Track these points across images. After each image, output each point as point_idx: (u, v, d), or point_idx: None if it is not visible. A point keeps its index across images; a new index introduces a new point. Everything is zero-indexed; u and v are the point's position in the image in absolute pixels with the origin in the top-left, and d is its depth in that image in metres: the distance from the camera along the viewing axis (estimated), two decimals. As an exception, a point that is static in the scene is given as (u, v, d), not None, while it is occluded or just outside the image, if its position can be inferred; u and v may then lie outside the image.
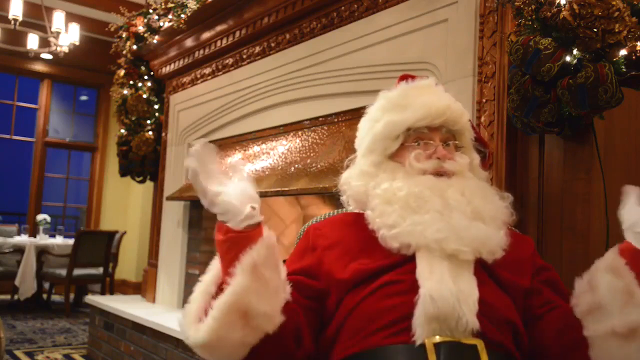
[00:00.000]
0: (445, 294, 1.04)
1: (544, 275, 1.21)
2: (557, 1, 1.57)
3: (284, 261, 1.18)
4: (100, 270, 5.94)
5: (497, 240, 1.13)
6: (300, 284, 1.14)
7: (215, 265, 1.09)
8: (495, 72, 1.95)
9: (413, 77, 1.35)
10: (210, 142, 3.64)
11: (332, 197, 3.39)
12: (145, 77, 4.40)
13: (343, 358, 1.08)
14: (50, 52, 5.42)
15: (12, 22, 4.82)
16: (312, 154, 2.81)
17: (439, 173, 1.20)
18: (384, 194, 1.19)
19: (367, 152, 1.28)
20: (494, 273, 1.15)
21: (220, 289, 1.04)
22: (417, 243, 1.10)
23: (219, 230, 1.06)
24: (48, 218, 6.55)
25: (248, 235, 1.02)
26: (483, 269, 1.13)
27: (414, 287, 1.07)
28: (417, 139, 1.24)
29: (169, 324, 3.18)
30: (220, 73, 3.60)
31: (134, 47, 4.22)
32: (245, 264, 1.00)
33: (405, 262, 1.12)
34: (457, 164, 1.22)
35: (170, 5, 3.83)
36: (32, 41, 5.47)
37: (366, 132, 1.30)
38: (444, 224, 1.11)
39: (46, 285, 6.17)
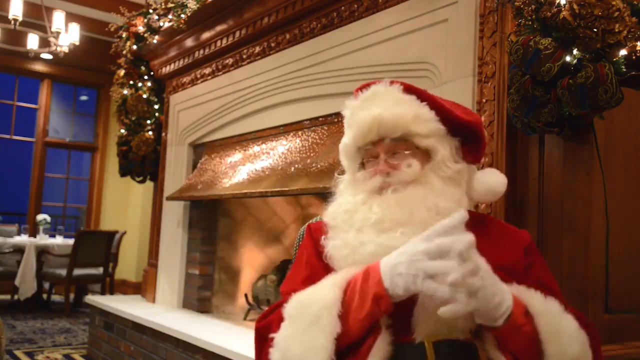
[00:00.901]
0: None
1: (530, 275, 1.21)
2: (557, 1, 1.57)
3: (288, 262, 1.19)
4: (100, 270, 5.94)
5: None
6: None
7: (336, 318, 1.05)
8: (495, 72, 1.95)
9: (369, 85, 1.31)
10: (210, 142, 3.58)
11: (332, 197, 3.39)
12: (145, 77, 4.40)
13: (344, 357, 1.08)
14: (50, 52, 5.42)
15: (12, 22, 4.82)
16: (312, 154, 2.81)
17: (384, 188, 1.19)
18: (330, 209, 1.25)
19: (345, 171, 1.32)
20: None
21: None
22: (333, 265, 1.17)
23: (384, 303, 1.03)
24: (48, 218, 6.55)
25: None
26: None
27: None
28: (367, 156, 1.24)
29: (169, 324, 3.18)
30: (220, 73, 3.60)
31: (134, 47, 4.22)
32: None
33: None
34: (403, 173, 1.18)
35: (170, 5, 3.83)
36: (32, 41, 5.47)
37: None
38: (349, 248, 1.14)
39: (46, 285, 6.17)
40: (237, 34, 3.32)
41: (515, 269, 1.18)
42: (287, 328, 1.08)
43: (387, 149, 1.21)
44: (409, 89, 1.26)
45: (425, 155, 1.21)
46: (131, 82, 4.40)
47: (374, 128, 1.20)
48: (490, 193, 1.26)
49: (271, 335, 1.10)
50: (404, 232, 1.10)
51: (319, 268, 1.21)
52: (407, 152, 1.20)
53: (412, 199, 1.15)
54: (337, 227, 1.19)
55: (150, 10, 4.19)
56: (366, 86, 1.31)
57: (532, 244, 1.26)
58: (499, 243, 1.20)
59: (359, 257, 1.11)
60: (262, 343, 1.15)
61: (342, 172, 1.33)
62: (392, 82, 1.27)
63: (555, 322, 1.06)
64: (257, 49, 3.24)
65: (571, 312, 1.12)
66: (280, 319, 1.10)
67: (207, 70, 3.72)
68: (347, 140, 1.26)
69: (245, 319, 3.49)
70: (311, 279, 1.19)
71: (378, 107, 1.21)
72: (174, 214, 3.95)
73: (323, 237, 1.22)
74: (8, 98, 7.48)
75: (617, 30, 1.48)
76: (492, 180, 1.26)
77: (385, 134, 1.20)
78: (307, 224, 1.35)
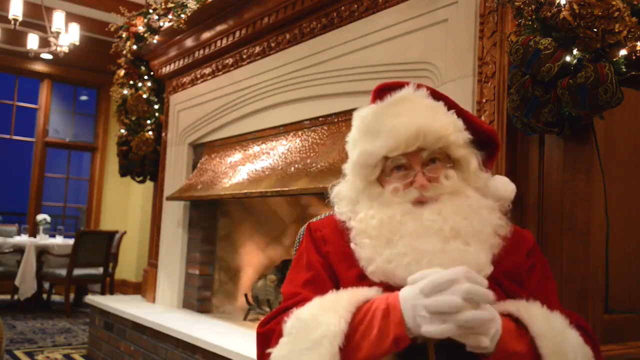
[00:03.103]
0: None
1: (532, 277, 1.21)
2: (557, 1, 1.57)
3: (288, 262, 1.17)
4: (100, 270, 5.94)
5: (477, 261, 1.06)
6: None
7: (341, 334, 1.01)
8: (495, 72, 1.95)
9: (392, 86, 1.23)
10: (210, 142, 3.58)
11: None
12: (145, 77, 4.40)
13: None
14: (50, 52, 5.42)
15: (12, 22, 4.81)
16: (312, 154, 2.81)
17: (420, 202, 1.12)
18: (358, 225, 1.15)
19: (352, 176, 1.22)
20: (498, 281, 1.14)
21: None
22: (393, 281, 1.08)
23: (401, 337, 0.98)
24: (48, 218, 6.55)
25: None
26: (489, 277, 1.13)
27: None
28: (395, 166, 1.15)
29: (169, 324, 3.18)
30: (220, 73, 3.60)
31: (134, 47, 4.22)
32: None
33: None
34: (442, 187, 1.12)
35: (170, 5, 3.83)
36: (32, 41, 5.47)
37: (350, 155, 1.24)
38: (413, 255, 1.06)
39: (46, 285, 6.17)
40: (237, 34, 3.32)
41: (518, 271, 1.18)
42: (284, 346, 1.04)
43: (424, 161, 1.13)
44: (434, 94, 1.21)
45: (456, 165, 1.17)
46: (131, 82, 4.41)
47: (417, 140, 1.11)
48: (501, 200, 1.22)
49: (269, 350, 1.07)
50: (477, 248, 1.07)
51: (320, 270, 1.20)
52: (442, 163, 1.15)
53: (464, 207, 1.11)
54: (381, 237, 1.10)
55: (150, 10, 4.19)
56: (386, 87, 1.23)
57: (535, 245, 1.25)
58: (505, 248, 1.18)
59: (426, 266, 1.03)
60: (263, 352, 1.13)
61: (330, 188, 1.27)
62: (419, 86, 1.21)
63: (559, 341, 1.04)
64: (257, 49, 3.24)
65: (567, 315, 1.11)
66: (281, 331, 1.07)
67: (207, 70, 3.72)
68: (373, 148, 1.15)
69: (245, 319, 3.49)
70: (312, 282, 1.18)
71: (418, 116, 1.13)
72: (174, 214, 3.95)
73: (343, 235, 1.18)
74: (8, 98, 7.48)
75: (617, 30, 1.47)
76: (503, 188, 1.23)
77: (426, 146, 1.12)
78: (307, 223, 1.34)
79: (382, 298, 1.03)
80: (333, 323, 1.01)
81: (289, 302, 1.16)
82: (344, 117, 2.72)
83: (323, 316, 1.03)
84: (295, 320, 1.05)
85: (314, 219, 1.40)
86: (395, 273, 1.07)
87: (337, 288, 1.15)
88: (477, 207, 1.13)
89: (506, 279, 1.15)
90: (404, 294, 1.00)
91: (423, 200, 1.12)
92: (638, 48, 1.50)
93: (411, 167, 1.14)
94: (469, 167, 1.17)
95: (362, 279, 1.13)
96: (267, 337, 1.13)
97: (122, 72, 4.44)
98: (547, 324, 1.05)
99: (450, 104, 1.22)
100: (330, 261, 1.20)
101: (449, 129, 1.14)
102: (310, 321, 1.03)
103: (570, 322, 1.10)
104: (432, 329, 0.93)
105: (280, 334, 1.07)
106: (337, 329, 1.00)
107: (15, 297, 5.93)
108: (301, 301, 1.13)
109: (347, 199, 1.22)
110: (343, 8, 2.64)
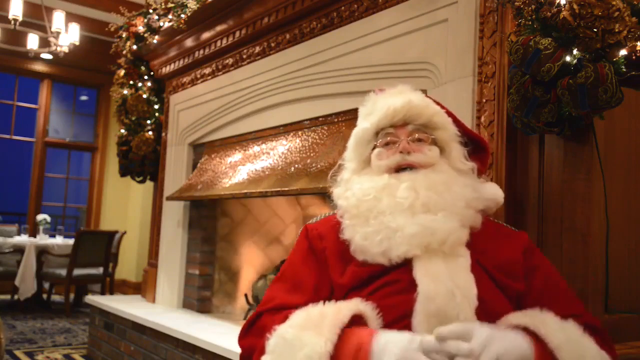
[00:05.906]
0: (442, 291, 1.05)
1: (537, 278, 1.21)
2: (557, 1, 1.57)
3: (283, 262, 1.20)
4: (100, 270, 5.94)
5: (445, 227, 1.13)
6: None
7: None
8: (495, 72, 1.95)
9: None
10: (210, 142, 3.58)
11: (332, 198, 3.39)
12: (145, 77, 4.40)
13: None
14: (50, 52, 5.42)
15: (12, 22, 4.81)
16: (312, 154, 2.81)
17: (402, 167, 1.23)
18: (342, 202, 1.26)
19: (348, 161, 1.35)
20: (490, 274, 1.15)
21: None
22: (372, 259, 1.16)
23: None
24: (48, 218, 6.55)
25: None
26: (481, 269, 1.14)
27: (412, 286, 1.08)
28: (385, 143, 1.28)
29: (169, 324, 3.18)
30: (220, 73, 3.60)
31: (134, 47, 4.22)
32: None
33: (402, 262, 1.13)
34: (424, 156, 1.24)
35: (170, 5, 3.83)
36: (32, 41, 5.47)
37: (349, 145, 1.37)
38: (385, 233, 1.14)
39: (46, 285, 6.17)
40: (237, 34, 3.32)
41: (514, 269, 1.19)
42: None
43: (409, 134, 1.27)
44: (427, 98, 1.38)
45: (441, 153, 1.28)
46: (131, 82, 4.40)
47: (403, 111, 1.27)
48: (491, 201, 1.31)
49: None
50: (445, 215, 1.14)
51: (305, 270, 1.23)
52: (426, 141, 1.27)
53: (438, 183, 1.19)
54: (360, 215, 1.19)
55: (150, 10, 4.19)
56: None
57: (531, 245, 1.27)
58: (497, 243, 1.21)
59: (400, 240, 1.12)
60: None
61: (336, 174, 1.37)
62: None
63: (578, 349, 1.06)
64: (257, 49, 3.24)
65: (579, 313, 1.13)
66: (263, 348, 1.07)
67: (207, 70, 3.72)
68: (367, 124, 1.31)
69: (245, 319, 3.49)
70: (298, 285, 1.22)
71: (406, 96, 1.31)
72: (174, 214, 3.95)
73: (340, 230, 1.23)
74: (8, 98, 7.48)
75: (617, 30, 1.47)
76: (492, 192, 1.32)
77: (410, 119, 1.28)
78: (305, 225, 1.36)
79: (358, 343, 1.03)
80: (319, 344, 1.01)
81: (264, 306, 1.19)
82: (344, 117, 2.72)
83: (308, 337, 1.03)
84: (279, 340, 1.05)
85: (312, 220, 1.41)
86: (370, 249, 1.15)
87: (326, 287, 1.19)
88: (451, 182, 1.21)
89: (499, 272, 1.16)
90: (377, 345, 1.01)
91: (404, 165, 1.23)
92: (638, 48, 1.50)
93: (396, 142, 1.27)
94: (451, 153, 1.28)
95: (360, 266, 1.17)
96: (249, 353, 1.15)
97: (122, 72, 4.44)
98: (563, 334, 1.06)
99: (441, 106, 1.35)
100: (326, 256, 1.23)
101: (432, 109, 1.29)
102: (295, 341, 1.03)
103: (585, 328, 1.11)
104: None
105: (262, 351, 1.07)
106: (323, 350, 1.01)
107: (15, 297, 5.93)
108: (274, 308, 1.17)
109: (343, 180, 1.33)
110: (343, 8, 2.64)
